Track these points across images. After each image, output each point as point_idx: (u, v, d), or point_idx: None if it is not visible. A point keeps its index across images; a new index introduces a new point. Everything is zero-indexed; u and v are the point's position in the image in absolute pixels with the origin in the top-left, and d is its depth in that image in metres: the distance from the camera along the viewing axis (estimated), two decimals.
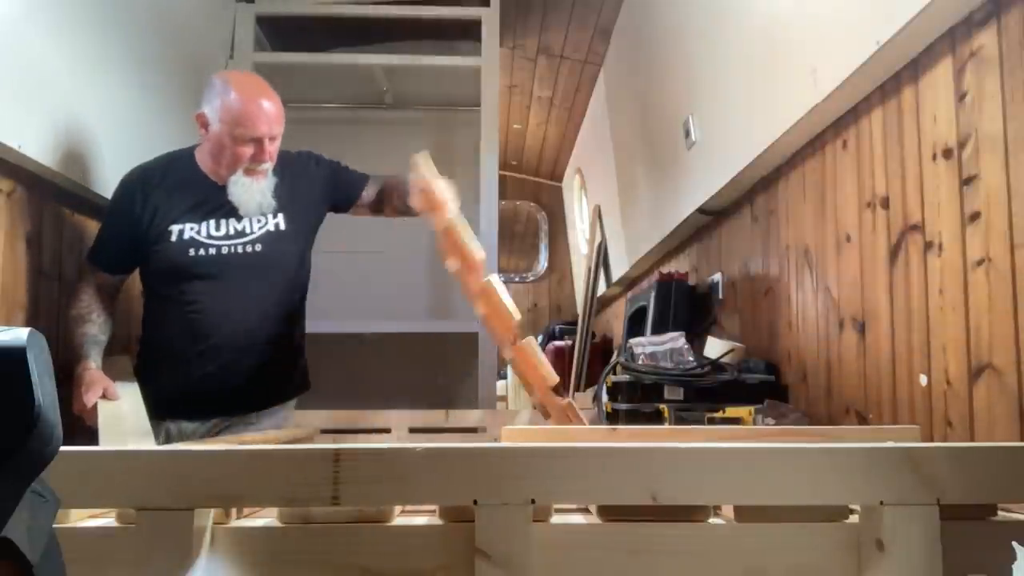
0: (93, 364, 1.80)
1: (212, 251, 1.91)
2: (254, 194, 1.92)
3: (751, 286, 2.75)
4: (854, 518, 0.85)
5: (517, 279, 6.85)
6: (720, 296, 3.05)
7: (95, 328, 1.87)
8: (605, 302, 5.36)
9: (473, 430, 2.65)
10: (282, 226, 1.99)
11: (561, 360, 5.11)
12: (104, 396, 1.74)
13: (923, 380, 1.68)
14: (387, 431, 2.31)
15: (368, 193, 2.16)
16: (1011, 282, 1.40)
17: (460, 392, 3.46)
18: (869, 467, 0.78)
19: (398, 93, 3.74)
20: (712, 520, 0.86)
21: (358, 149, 3.76)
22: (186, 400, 1.92)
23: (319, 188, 2.10)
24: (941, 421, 1.61)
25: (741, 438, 1.23)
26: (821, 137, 2.18)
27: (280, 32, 3.60)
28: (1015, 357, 1.39)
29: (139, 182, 1.95)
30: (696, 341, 2.69)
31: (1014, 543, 0.80)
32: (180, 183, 1.94)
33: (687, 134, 2.97)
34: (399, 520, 0.86)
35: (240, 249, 1.93)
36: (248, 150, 1.88)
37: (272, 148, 1.91)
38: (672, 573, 0.81)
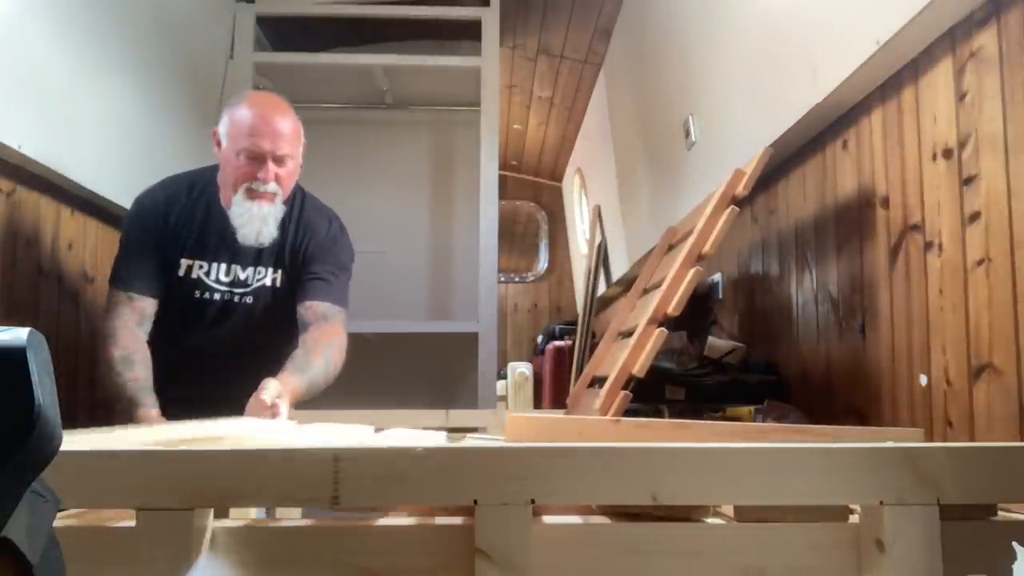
0: (154, 411, 1.67)
1: (216, 296, 1.85)
2: (254, 219, 1.78)
3: (751, 286, 2.75)
4: (854, 518, 0.85)
5: (517, 279, 6.85)
6: (720, 296, 3.05)
7: (143, 370, 1.72)
8: (605, 302, 5.36)
9: (473, 430, 2.65)
10: (278, 283, 1.88)
11: (561, 360, 5.11)
12: None
13: (923, 380, 1.68)
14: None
15: (303, 312, 1.84)
16: (1011, 282, 1.40)
17: (460, 392, 3.46)
18: (869, 467, 0.78)
19: (398, 93, 3.74)
20: (712, 520, 0.86)
21: (358, 149, 3.77)
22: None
23: (312, 259, 1.90)
24: (941, 421, 1.61)
25: (740, 435, 1.23)
26: (821, 137, 2.18)
27: (280, 32, 3.60)
28: (1015, 357, 1.39)
29: (162, 201, 1.84)
30: (696, 341, 2.69)
31: (1014, 543, 0.80)
32: (196, 210, 1.84)
33: (687, 134, 2.97)
34: (399, 520, 0.86)
35: (236, 299, 1.86)
36: (251, 168, 1.75)
37: (281, 171, 1.77)
38: (672, 573, 0.81)
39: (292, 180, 1.84)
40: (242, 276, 1.85)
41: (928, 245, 1.67)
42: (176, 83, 2.78)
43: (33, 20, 1.92)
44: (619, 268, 4.67)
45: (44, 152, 1.97)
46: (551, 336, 5.59)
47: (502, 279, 6.54)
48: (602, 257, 4.97)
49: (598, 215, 5.06)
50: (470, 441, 1.16)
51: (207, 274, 1.84)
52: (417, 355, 3.53)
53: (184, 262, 1.82)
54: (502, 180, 4.29)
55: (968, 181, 1.54)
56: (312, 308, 1.82)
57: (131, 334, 1.75)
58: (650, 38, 3.40)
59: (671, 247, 2.35)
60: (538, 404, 5.26)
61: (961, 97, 1.56)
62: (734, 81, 2.53)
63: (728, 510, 0.87)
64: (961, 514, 0.82)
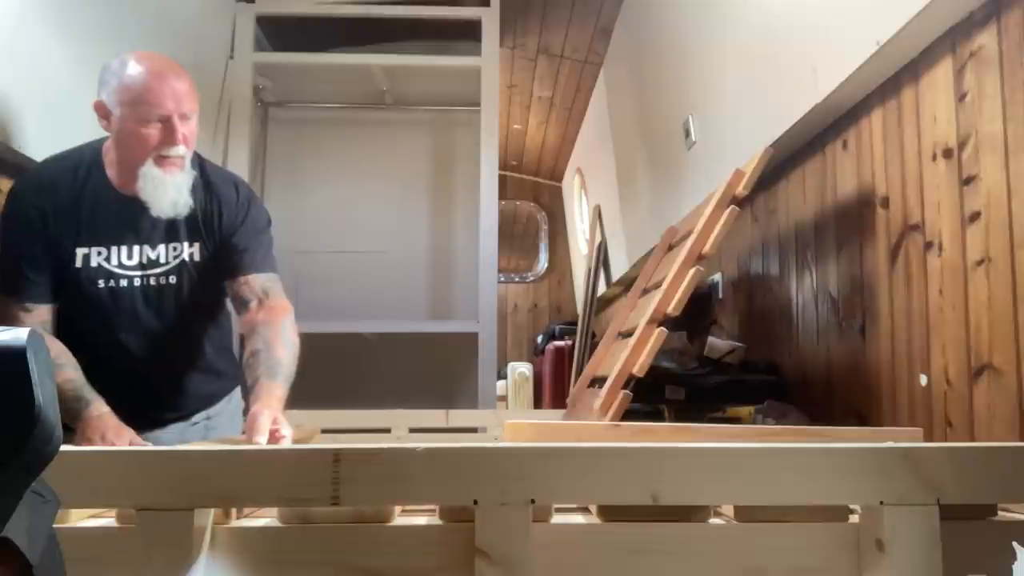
0: (105, 408, 1.52)
1: (125, 283, 1.63)
2: (168, 189, 1.60)
3: (751, 286, 2.75)
4: (854, 518, 0.85)
5: (517, 279, 6.85)
6: (720, 296, 3.05)
7: (72, 371, 1.54)
8: (605, 302, 5.36)
9: (473, 430, 2.65)
10: (196, 256, 1.69)
11: (561, 360, 5.11)
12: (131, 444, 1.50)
13: (923, 380, 1.68)
14: (387, 431, 2.31)
15: (239, 288, 1.70)
16: (1011, 282, 1.40)
17: (460, 392, 3.46)
18: (869, 467, 0.78)
19: (398, 93, 3.75)
20: (712, 520, 0.86)
21: (358, 149, 3.77)
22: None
23: (230, 230, 1.71)
24: (941, 421, 1.61)
25: (741, 437, 1.23)
26: (821, 137, 2.18)
27: (280, 32, 3.60)
28: (1015, 357, 1.39)
29: (46, 188, 1.62)
30: (696, 341, 2.69)
31: (1014, 543, 0.80)
32: (84, 194, 1.62)
33: (687, 134, 2.97)
34: (399, 520, 0.86)
35: (154, 280, 1.66)
36: (155, 132, 1.56)
37: (186, 130, 1.59)
38: (672, 573, 0.81)
39: (193, 145, 1.66)
40: (153, 255, 1.66)
41: (928, 245, 1.67)
42: None
43: (34, 20, 1.92)
44: (619, 268, 4.67)
45: (45, 153, 1.96)
46: (551, 336, 5.59)
47: (502, 279, 6.53)
48: (602, 257, 4.97)
49: (598, 215, 5.06)
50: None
51: (107, 260, 1.62)
52: (417, 355, 3.53)
53: (80, 252, 1.61)
54: (502, 180, 4.29)
55: (968, 181, 1.54)
56: (249, 283, 1.69)
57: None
58: (650, 38, 3.40)
59: (671, 247, 2.35)
60: (538, 404, 5.27)
61: (961, 97, 1.56)
62: (734, 81, 2.53)
63: (728, 510, 0.87)
64: (961, 514, 0.82)
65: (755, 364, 2.46)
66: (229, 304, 1.80)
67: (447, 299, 3.71)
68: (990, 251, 1.47)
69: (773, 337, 2.50)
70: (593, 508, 0.90)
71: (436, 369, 3.57)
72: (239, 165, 3.28)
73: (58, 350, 1.54)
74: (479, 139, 3.34)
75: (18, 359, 0.43)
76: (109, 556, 0.79)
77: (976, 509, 0.85)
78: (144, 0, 2.48)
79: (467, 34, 3.48)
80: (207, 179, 1.72)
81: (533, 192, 6.83)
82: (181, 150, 1.60)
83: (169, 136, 1.57)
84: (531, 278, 6.87)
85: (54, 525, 0.48)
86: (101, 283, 1.63)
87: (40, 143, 1.95)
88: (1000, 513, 0.88)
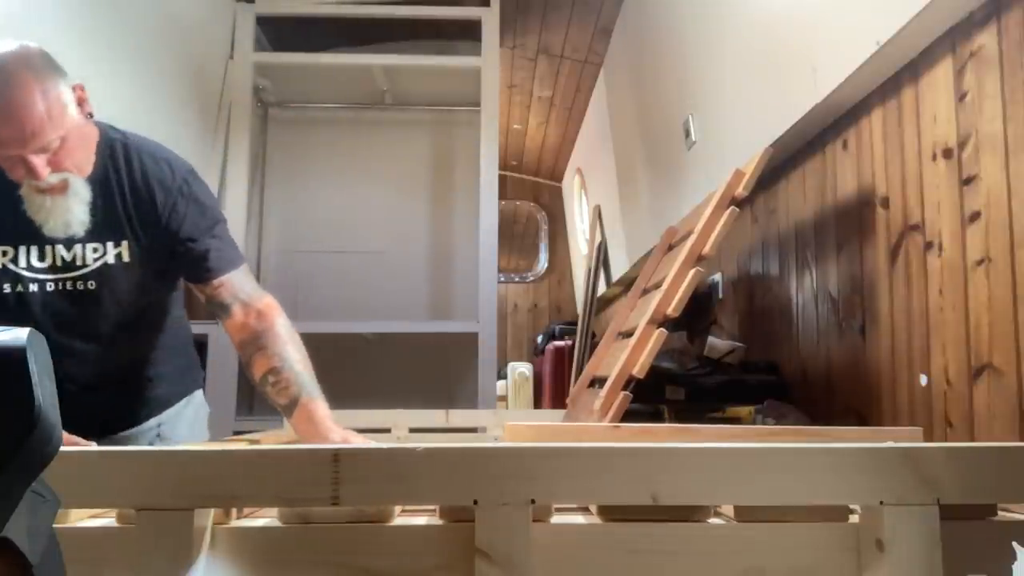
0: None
1: (35, 288, 1.44)
2: (55, 212, 1.39)
3: (751, 286, 2.75)
4: (854, 518, 0.85)
5: (517, 279, 6.85)
6: (720, 296, 3.05)
7: None
8: (605, 302, 5.36)
9: (473, 430, 2.65)
10: (125, 257, 1.48)
11: (561, 360, 5.11)
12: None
13: (923, 380, 1.68)
14: (387, 431, 2.31)
15: (214, 292, 1.52)
16: (1011, 282, 1.40)
17: (460, 392, 3.47)
18: (869, 467, 0.78)
19: (398, 93, 3.75)
20: (712, 520, 0.86)
21: (358, 149, 3.77)
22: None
23: (175, 222, 1.50)
24: (941, 421, 1.61)
25: (741, 438, 1.23)
26: (821, 137, 2.18)
27: (280, 32, 3.60)
28: (1015, 357, 1.39)
29: None
30: (696, 341, 2.69)
31: (1014, 543, 0.80)
32: None
33: (687, 134, 2.97)
34: (399, 520, 0.86)
35: (70, 286, 1.46)
36: (16, 169, 1.34)
37: (58, 156, 1.35)
38: (672, 573, 0.81)
39: (81, 151, 1.42)
40: (68, 256, 1.45)
41: (928, 245, 1.67)
42: (176, 83, 2.78)
43: (34, 21, 1.92)
44: (619, 268, 4.67)
45: None
46: (551, 336, 5.59)
47: (502, 279, 6.54)
48: (602, 257, 4.97)
49: (598, 215, 5.06)
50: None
51: (14, 260, 1.43)
52: (417, 355, 3.53)
53: None
54: (502, 180, 4.29)
55: (968, 181, 1.54)
56: (224, 285, 1.51)
57: None
58: (650, 38, 3.40)
59: (671, 247, 2.35)
60: (538, 404, 5.27)
61: (961, 97, 1.56)
62: (734, 81, 2.53)
63: (728, 510, 0.87)
64: (961, 514, 0.81)
65: (755, 364, 2.46)
66: (177, 301, 1.66)
67: (447, 299, 3.71)
68: (990, 251, 1.47)
69: (773, 337, 2.50)
70: (593, 508, 0.90)
71: (436, 369, 3.57)
72: (239, 165, 3.28)
73: None
74: (479, 139, 3.34)
75: (18, 359, 0.43)
76: (109, 556, 0.79)
77: (976, 509, 0.85)
78: (144, 0, 2.49)
79: (467, 34, 3.48)
80: (131, 164, 1.49)
81: (533, 192, 6.83)
82: (54, 178, 1.36)
83: (31, 173, 1.33)
84: (531, 278, 6.88)
85: (54, 525, 0.48)
86: (7, 287, 1.43)
87: None
88: (1000, 513, 0.88)
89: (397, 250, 3.71)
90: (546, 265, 6.85)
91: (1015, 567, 0.79)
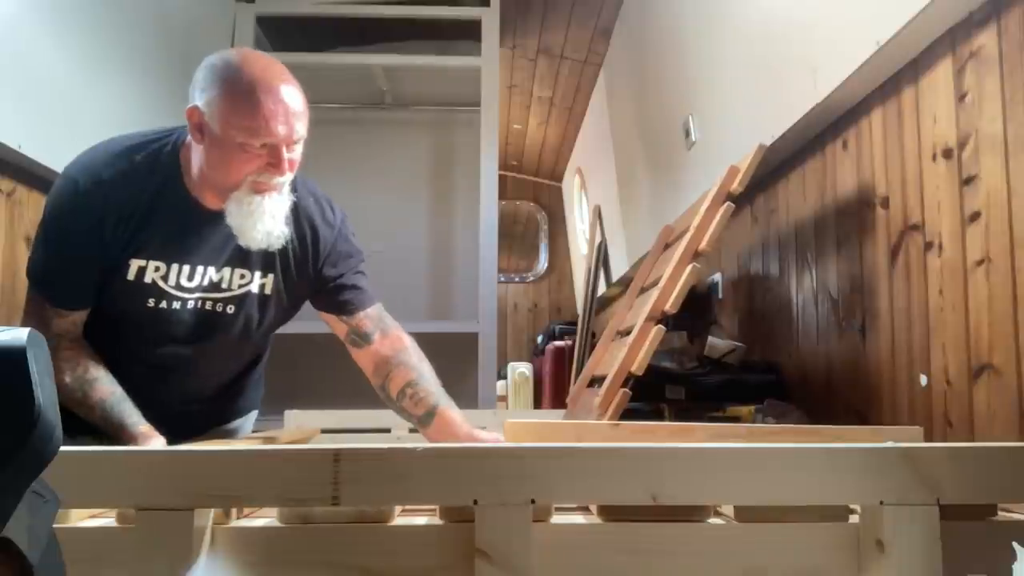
0: (143, 426, 1.37)
1: (177, 305, 1.43)
2: (263, 217, 1.37)
3: (751, 286, 2.75)
4: (854, 518, 0.85)
5: (517, 279, 6.85)
6: (720, 296, 3.05)
7: (108, 383, 1.39)
8: (605, 302, 5.36)
9: None
10: (267, 290, 1.49)
11: (561, 360, 5.11)
12: None
13: (923, 380, 1.68)
14: (387, 431, 2.31)
15: (358, 324, 1.59)
16: (1011, 282, 1.40)
17: (460, 392, 3.46)
18: (869, 467, 0.78)
19: (398, 93, 3.75)
20: (712, 520, 0.86)
21: (358, 149, 3.77)
22: None
23: (331, 261, 1.54)
24: (941, 421, 1.61)
25: (741, 437, 1.23)
26: (821, 137, 2.18)
27: (280, 32, 3.60)
28: (1015, 357, 1.39)
29: (105, 181, 1.37)
30: (696, 340, 2.69)
31: (1014, 543, 0.80)
32: (154, 202, 1.39)
33: (687, 134, 2.97)
34: (399, 520, 0.86)
35: (210, 306, 1.46)
36: (258, 158, 1.33)
37: (294, 156, 1.36)
38: (672, 573, 0.81)
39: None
40: (216, 278, 1.45)
41: (928, 245, 1.67)
42: (176, 83, 2.77)
43: (34, 20, 1.92)
44: (619, 268, 4.67)
45: (44, 152, 1.97)
46: (551, 336, 5.59)
47: (502, 279, 6.54)
48: (602, 257, 4.97)
49: (598, 215, 5.06)
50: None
51: (164, 278, 1.41)
52: None
53: (134, 263, 1.39)
54: (502, 180, 4.29)
55: (968, 181, 1.54)
56: (369, 316, 1.60)
57: (76, 348, 1.40)
58: (650, 38, 3.40)
59: (667, 245, 2.35)
60: (538, 404, 5.26)
61: (961, 97, 1.56)
62: (734, 81, 2.53)
63: (728, 510, 0.87)
64: (961, 514, 0.82)
65: (755, 364, 2.46)
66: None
67: (447, 299, 3.71)
68: (990, 251, 1.47)
69: (773, 337, 2.50)
70: (593, 508, 0.90)
71: (436, 369, 3.56)
72: None
73: (88, 363, 1.39)
74: (479, 139, 3.34)
75: (18, 359, 0.43)
76: (109, 556, 0.79)
77: (976, 509, 0.85)
78: (144, 0, 2.49)
79: (467, 34, 3.48)
80: (299, 201, 1.47)
81: (533, 192, 6.83)
82: (285, 179, 1.37)
83: (274, 166, 1.33)
84: (531, 278, 6.88)
85: (54, 525, 0.48)
86: (151, 302, 1.41)
87: (39, 143, 1.95)
88: (1000, 513, 0.88)
89: (397, 250, 3.70)
90: (546, 265, 6.85)
91: (1015, 567, 0.79)
